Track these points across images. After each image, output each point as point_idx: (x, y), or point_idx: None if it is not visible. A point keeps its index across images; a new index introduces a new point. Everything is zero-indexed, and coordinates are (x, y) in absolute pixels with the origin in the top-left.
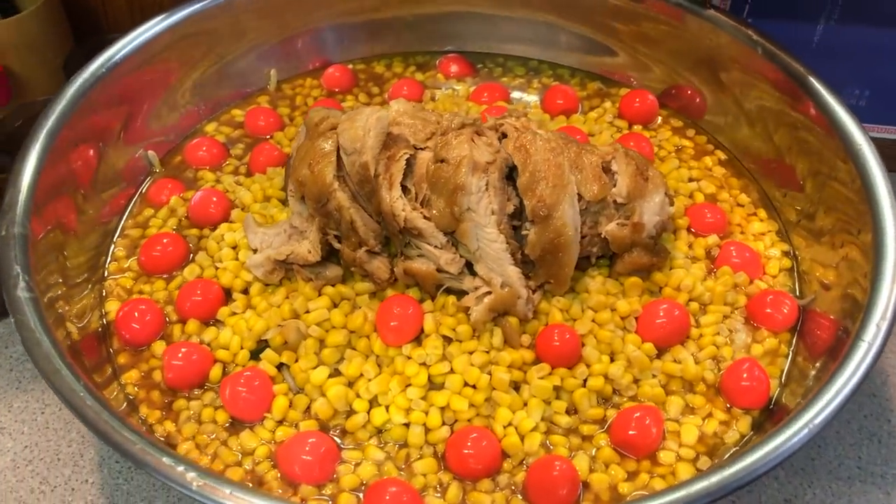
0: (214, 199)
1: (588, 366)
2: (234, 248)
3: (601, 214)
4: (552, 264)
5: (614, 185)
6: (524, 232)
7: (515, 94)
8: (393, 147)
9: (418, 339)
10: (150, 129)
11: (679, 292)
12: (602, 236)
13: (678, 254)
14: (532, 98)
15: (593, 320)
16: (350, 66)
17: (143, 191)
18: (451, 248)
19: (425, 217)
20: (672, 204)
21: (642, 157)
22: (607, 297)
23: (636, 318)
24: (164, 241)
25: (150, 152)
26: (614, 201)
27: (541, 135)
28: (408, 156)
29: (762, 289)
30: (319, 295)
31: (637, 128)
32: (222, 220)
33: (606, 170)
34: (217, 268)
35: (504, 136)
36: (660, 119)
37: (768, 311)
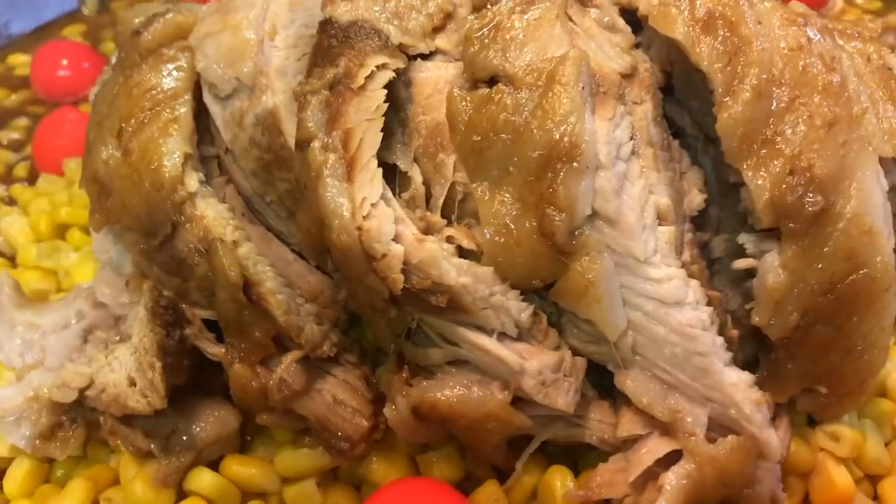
0: None
1: None
2: None
3: None
4: (833, 348)
5: None
6: (739, 264)
7: None
8: (344, 53)
9: None
10: None
11: None
12: None
13: None
14: None
15: None
16: None
17: None
18: (545, 332)
19: (459, 249)
20: None
21: None
22: None
23: None
24: None
25: None
26: None
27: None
28: (391, 76)
29: None
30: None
31: None
32: None
33: None
34: None
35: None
36: None
37: None
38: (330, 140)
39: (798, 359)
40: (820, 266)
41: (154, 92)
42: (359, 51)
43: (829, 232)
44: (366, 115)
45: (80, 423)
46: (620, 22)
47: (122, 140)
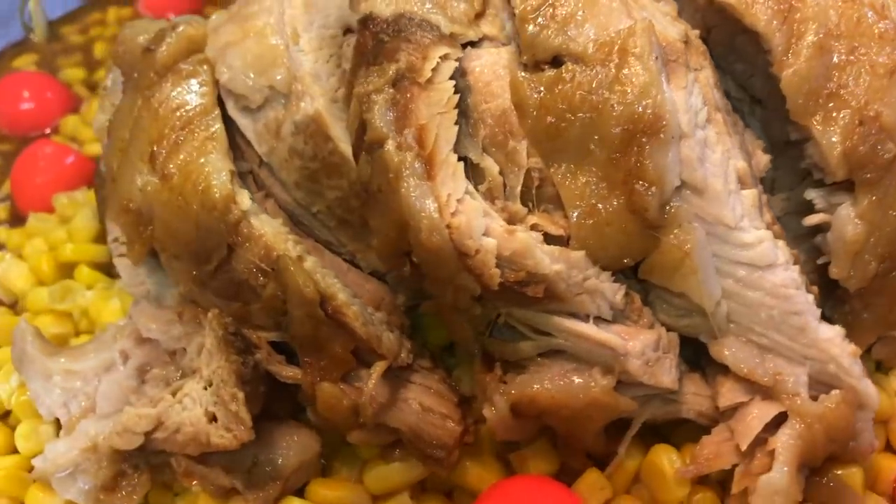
0: None
1: None
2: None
3: None
4: None
5: None
6: (810, 220)
7: None
8: (401, 47)
9: None
10: None
11: None
12: None
13: None
14: None
15: None
16: None
17: None
18: (639, 311)
19: (545, 235)
20: None
21: None
22: None
23: None
24: None
25: None
26: None
27: None
28: (455, 66)
29: None
30: None
31: None
32: None
33: None
34: None
35: None
36: None
37: None
38: (403, 139)
39: (874, 307)
40: (894, 213)
41: (183, 110)
42: (417, 43)
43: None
44: (437, 108)
45: (143, 469)
46: None
47: (157, 164)
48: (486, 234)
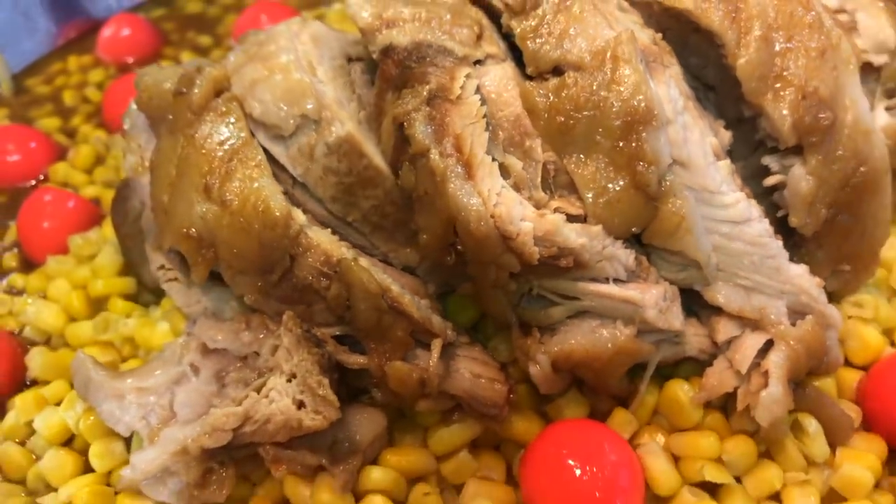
0: None
1: None
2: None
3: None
4: (851, 231)
5: None
6: (769, 181)
7: None
8: (428, 71)
9: None
10: None
11: None
12: None
13: None
14: None
15: None
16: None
17: None
18: (647, 270)
19: (567, 216)
20: None
21: None
22: None
23: None
24: None
25: None
26: None
27: None
28: (477, 83)
29: None
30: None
31: None
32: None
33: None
34: None
35: None
36: None
37: None
38: (444, 148)
39: (826, 247)
40: (836, 167)
41: (229, 144)
42: (443, 67)
43: (839, 139)
44: (469, 119)
45: (229, 464)
46: (625, 3)
47: (213, 193)
48: (522, 219)
